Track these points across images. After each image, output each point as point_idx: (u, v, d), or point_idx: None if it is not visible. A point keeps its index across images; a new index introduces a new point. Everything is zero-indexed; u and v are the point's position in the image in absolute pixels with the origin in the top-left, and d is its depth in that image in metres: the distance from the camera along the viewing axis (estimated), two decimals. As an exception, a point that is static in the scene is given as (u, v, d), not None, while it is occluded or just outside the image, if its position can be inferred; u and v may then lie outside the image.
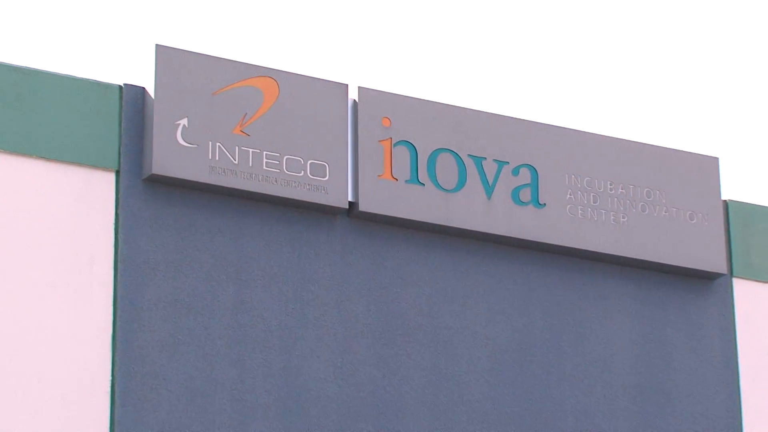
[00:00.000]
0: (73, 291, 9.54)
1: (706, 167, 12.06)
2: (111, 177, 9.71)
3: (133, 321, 9.69)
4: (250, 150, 9.96)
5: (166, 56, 9.95)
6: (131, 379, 9.54)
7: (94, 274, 9.62)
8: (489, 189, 10.78)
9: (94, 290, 9.65)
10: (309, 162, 10.13)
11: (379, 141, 10.43)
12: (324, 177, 10.15)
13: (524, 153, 11.34)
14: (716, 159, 11.94)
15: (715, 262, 11.71)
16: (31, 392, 9.52)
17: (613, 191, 11.39)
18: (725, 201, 12.07)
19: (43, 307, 9.53)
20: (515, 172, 10.92)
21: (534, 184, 11.03)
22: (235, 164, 9.87)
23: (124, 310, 9.64)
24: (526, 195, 10.91)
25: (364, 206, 10.16)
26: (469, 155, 10.78)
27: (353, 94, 10.56)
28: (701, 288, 12.01)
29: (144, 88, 9.89)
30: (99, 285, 9.61)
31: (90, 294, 9.65)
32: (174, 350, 9.78)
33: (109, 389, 9.64)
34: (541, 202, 10.96)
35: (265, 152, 10.02)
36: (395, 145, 10.43)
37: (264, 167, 9.99)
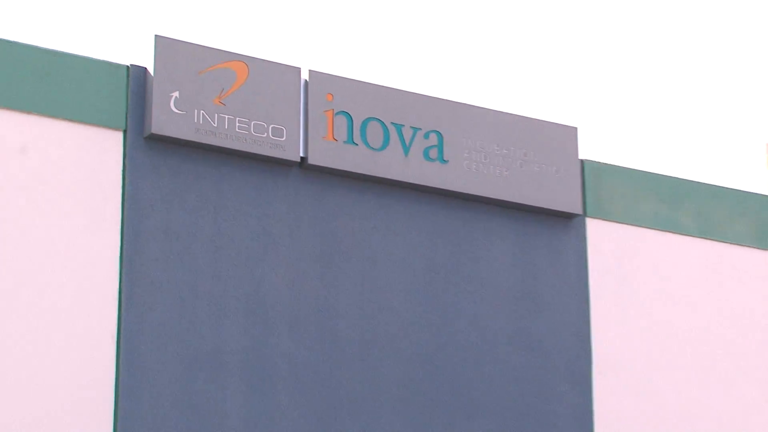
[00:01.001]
0: (90, 221, 10.86)
1: (568, 134, 13.64)
2: (119, 135, 10.93)
3: (136, 244, 10.99)
4: (226, 116, 11.23)
5: (162, 44, 11.20)
6: (134, 287, 10.84)
7: (107, 209, 10.92)
8: (406, 149, 12.19)
9: (107, 220, 10.95)
10: (270, 126, 11.41)
11: (324, 111, 11.73)
12: (282, 138, 11.43)
13: (433, 122, 12.81)
14: (575, 128, 13.62)
15: (573, 205, 13.18)
16: (51, 290, 10.82)
17: (498, 152, 12.83)
18: (581, 160, 13.65)
19: (67, 232, 10.85)
20: (426, 136, 12.34)
21: (440, 146, 12.44)
22: (214, 127, 11.11)
23: (129, 236, 10.95)
24: (434, 153, 12.36)
25: (312, 160, 11.54)
26: (391, 122, 12.13)
27: (305, 75, 11.94)
28: (563, 225, 13.38)
29: (146, 68, 11.08)
30: (110, 217, 10.93)
31: (102, 223, 10.96)
32: (167, 267, 11.06)
33: (117, 294, 10.97)
34: (445, 159, 12.40)
35: (237, 118, 11.31)
36: (336, 114, 11.74)
37: (236, 130, 11.29)
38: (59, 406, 10.89)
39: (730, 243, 14.92)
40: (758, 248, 15.09)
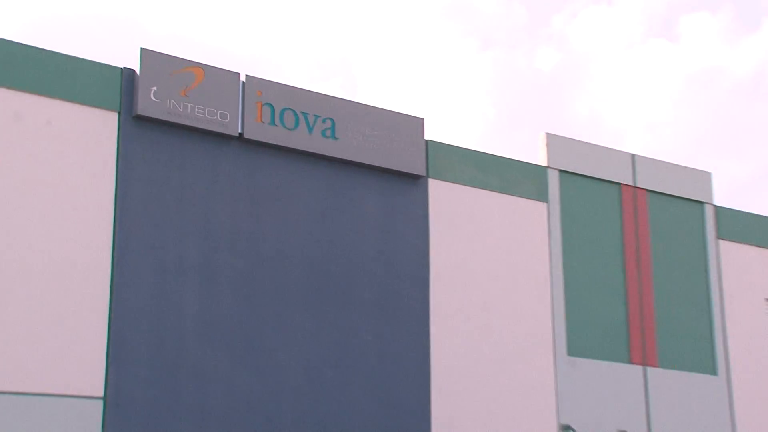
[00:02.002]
0: (95, 171, 13.47)
1: (417, 122, 16.50)
2: (115, 115, 13.69)
3: (127, 201, 13.60)
4: (189, 104, 14.03)
5: (146, 54, 13.82)
6: (127, 251, 13.33)
7: (104, 172, 13.64)
8: (310, 128, 15.06)
9: (104, 183, 13.61)
10: (219, 111, 14.25)
11: (255, 102, 14.67)
12: (227, 119, 14.28)
13: (328, 111, 15.50)
14: (422, 119, 16.61)
15: (419, 168, 16.19)
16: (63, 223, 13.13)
17: (369, 132, 15.81)
18: (426, 140, 16.59)
19: (70, 193, 13.36)
20: (324, 120, 15.26)
21: (332, 128, 15.46)
22: (180, 111, 13.91)
23: (121, 195, 13.55)
24: (328, 132, 15.34)
25: (247, 135, 14.39)
26: (301, 111, 15.05)
27: (243, 78, 14.73)
28: (410, 184, 16.44)
29: (134, 69, 13.73)
30: (109, 168, 13.56)
31: (101, 185, 13.58)
32: (147, 203, 13.74)
33: (112, 222, 13.32)
34: (336, 137, 15.34)
35: (196, 105, 14.09)
36: (264, 105, 14.70)
37: (195, 113, 14.08)
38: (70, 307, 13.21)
39: (523, 197, 17.81)
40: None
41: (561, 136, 18.75)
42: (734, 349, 20.10)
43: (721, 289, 20.06)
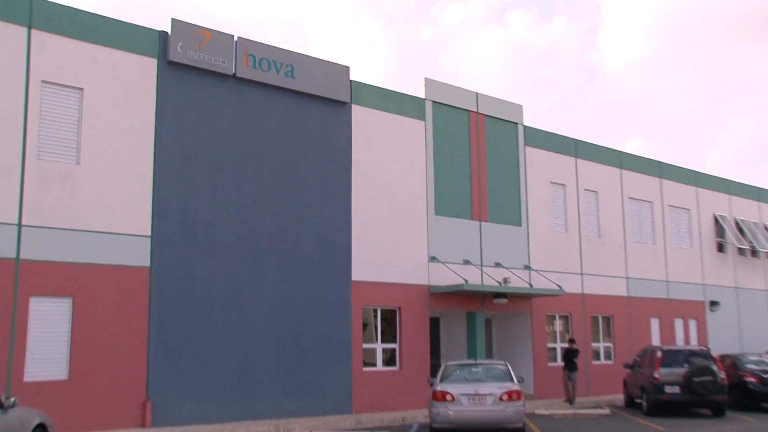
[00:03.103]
0: (141, 101, 16.41)
1: (344, 69, 19.48)
2: (155, 61, 16.77)
3: (163, 115, 16.58)
4: (202, 54, 17.15)
5: (175, 22, 16.87)
6: (164, 151, 16.38)
7: (149, 95, 16.59)
8: (278, 71, 18.09)
9: (149, 101, 16.55)
10: (220, 59, 17.31)
11: (244, 54, 17.79)
12: (225, 64, 17.37)
13: (289, 60, 18.33)
14: (348, 67, 19.49)
15: (346, 97, 19.43)
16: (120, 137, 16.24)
17: (315, 75, 18.78)
18: (351, 80, 19.63)
19: (131, 107, 16.23)
20: (287, 66, 18.20)
21: (292, 71, 18.41)
22: (197, 58, 17.08)
23: (160, 110, 16.58)
24: (289, 74, 18.33)
25: (238, 75, 17.50)
26: (272, 60, 18.11)
27: (236, 39, 17.67)
28: (341, 107, 19.52)
29: (167, 32, 16.81)
30: (151, 99, 16.57)
31: (148, 102, 16.51)
32: (180, 126, 16.69)
33: (152, 178, 16.33)
34: (294, 77, 18.33)
35: (206, 55, 17.16)
36: (248, 55, 17.82)
37: (206, 60, 17.19)
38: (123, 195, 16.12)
39: (410, 117, 21.16)
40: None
41: (434, 80, 22.24)
42: (531, 211, 24.06)
43: (525, 175, 24.09)
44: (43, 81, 15.36)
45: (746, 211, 32.90)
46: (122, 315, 15.80)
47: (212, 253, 17.29)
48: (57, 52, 15.63)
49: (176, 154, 16.99)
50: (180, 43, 17.11)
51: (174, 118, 17.07)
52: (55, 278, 15.04)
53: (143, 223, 16.28)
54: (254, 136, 18.31)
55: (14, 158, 14.85)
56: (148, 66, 16.88)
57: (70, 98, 15.69)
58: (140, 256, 16.15)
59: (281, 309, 18.18)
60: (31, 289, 14.76)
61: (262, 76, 18.34)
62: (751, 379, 20.26)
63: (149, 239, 16.33)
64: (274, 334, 18.01)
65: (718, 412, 19.05)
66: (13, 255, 14.69)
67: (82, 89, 15.82)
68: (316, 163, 19.25)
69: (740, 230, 32.14)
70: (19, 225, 14.79)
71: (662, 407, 19.36)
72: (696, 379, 18.66)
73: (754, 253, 32.58)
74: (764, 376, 20.22)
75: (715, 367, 18.96)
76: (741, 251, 32.08)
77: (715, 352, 22.57)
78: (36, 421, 11.08)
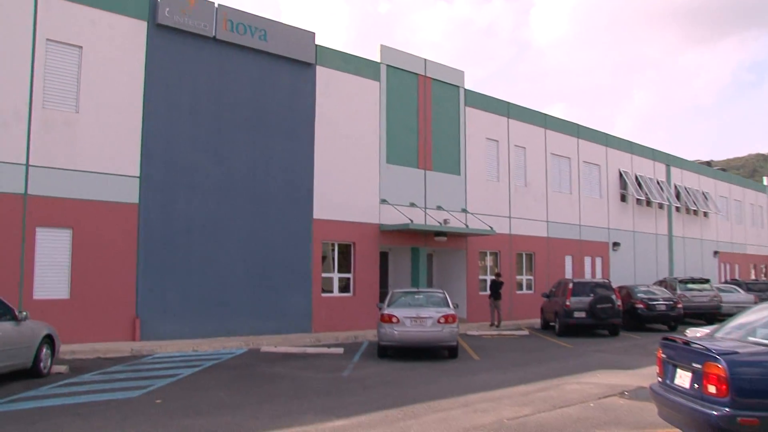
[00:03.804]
0: (130, 58, 16.77)
1: (310, 35, 19.79)
2: (145, 23, 17.09)
3: (152, 70, 17.02)
4: (186, 18, 17.46)
5: None
6: (152, 98, 16.77)
7: (139, 53, 16.93)
8: (252, 34, 18.46)
9: (139, 58, 16.90)
10: (202, 23, 17.66)
11: (223, 19, 18.15)
12: (207, 27, 17.69)
13: (263, 25, 18.58)
14: (314, 33, 19.81)
15: (311, 59, 19.88)
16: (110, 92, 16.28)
17: (285, 39, 19.12)
18: (316, 44, 19.92)
19: (123, 62, 16.59)
20: (260, 30, 18.50)
21: (265, 35, 18.64)
22: (182, 21, 17.45)
23: (149, 66, 17.03)
24: (262, 37, 18.56)
25: (218, 37, 17.86)
26: (247, 24, 18.42)
27: (216, 6, 17.96)
28: (306, 68, 19.93)
29: None
30: (140, 57, 16.95)
31: (138, 59, 16.89)
32: (165, 80, 17.12)
33: (140, 126, 16.68)
34: (267, 40, 18.63)
35: (190, 19, 17.45)
36: (227, 20, 18.13)
37: (190, 23, 17.48)
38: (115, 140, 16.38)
39: (365, 78, 21.48)
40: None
41: (388, 47, 22.70)
42: (469, 162, 24.86)
43: (465, 132, 24.80)
44: (47, 39, 15.72)
45: (644, 168, 34.68)
46: (115, 244, 16.42)
47: (192, 192, 17.81)
48: (60, 14, 15.95)
49: (162, 105, 17.37)
50: (167, 8, 17.44)
51: (161, 73, 17.37)
52: (57, 211, 15.61)
53: (133, 165, 16.75)
54: (231, 91, 18.65)
55: (22, 106, 15.25)
56: (139, 28, 17.15)
57: (70, 55, 16.07)
58: (130, 193, 16.70)
59: (252, 242, 18.84)
60: (37, 221, 15.32)
61: (238, 39, 18.70)
62: (641, 306, 22.12)
63: (138, 179, 16.80)
64: (245, 264, 18.71)
65: (614, 332, 20.77)
66: (22, 191, 15.15)
67: (81, 47, 16.22)
68: (284, 115, 19.63)
69: (639, 184, 34.06)
70: (27, 165, 15.24)
71: (571, 329, 20.82)
72: (599, 306, 20.23)
73: (649, 203, 34.71)
74: (651, 303, 22.07)
75: (613, 296, 20.58)
76: (638, 201, 34.05)
77: (615, 284, 24.56)
78: (44, 332, 11.68)
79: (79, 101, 16.07)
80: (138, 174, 16.74)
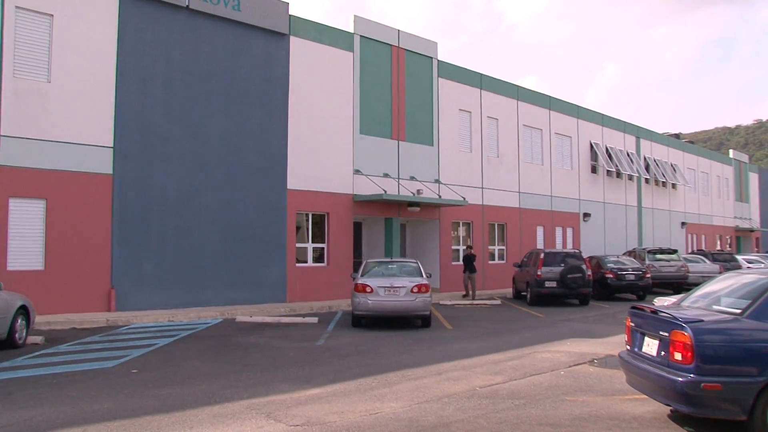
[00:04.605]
0: (102, 42, 16.44)
1: (284, 5, 19.64)
2: None
3: (124, 37, 16.74)
4: None
5: None
6: (125, 66, 16.60)
7: (112, 21, 16.65)
8: (226, 4, 18.25)
9: (112, 27, 16.62)
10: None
11: None
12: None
13: None
14: (288, 3, 19.45)
15: (285, 29, 19.76)
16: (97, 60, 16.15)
17: (258, 9, 18.89)
18: (290, 15, 19.67)
19: (97, 30, 16.16)
20: (234, 0, 19.43)
21: (239, 4, 18.53)
22: None
23: (121, 33, 16.74)
24: (236, 7, 18.40)
25: (192, 7, 17.59)
26: None
27: None
28: (280, 38, 19.79)
29: None
30: (112, 25, 16.67)
31: (110, 27, 16.62)
32: (139, 47, 16.90)
33: (113, 96, 16.47)
34: (240, 10, 18.41)
35: None
36: None
37: None
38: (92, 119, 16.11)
39: (339, 48, 21.37)
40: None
41: (362, 17, 22.58)
42: (442, 133, 24.92)
43: (438, 103, 24.89)
44: (17, 6, 15.36)
45: (614, 140, 35.08)
46: (89, 215, 16.30)
47: (166, 162, 17.77)
48: (29, -20, 15.43)
49: (135, 75, 17.23)
50: (142, -22, 16.93)
51: (134, 43, 17.22)
52: (30, 182, 15.42)
53: (106, 136, 16.61)
54: (204, 61, 18.55)
55: (-8, 75, 14.79)
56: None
57: (41, 23, 15.73)
58: (103, 164, 16.56)
59: (226, 212, 18.85)
60: (10, 191, 15.14)
61: (211, 8, 18.53)
62: (610, 276, 22.48)
63: (111, 150, 16.69)
64: (220, 234, 18.71)
65: (584, 301, 21.08)
66: (-7, 161, 14.75)
67: (52, 15, 15.89)
68: (258, 86, 19.58)
69: (609, 156, 34.49)
70: (-2, 135, 14.81)
71: (542, 298, 21.14)
72: (569, 276, 20.52)
73: (618, 174, 35.14)
74: (620, 273, 22.45)
75: (584, 266, 20.85)
76: (609, 173, 34.47)
77: (585, 254, 24.87)
78: (19, 303, 11.59)
79: (50, 71, 15.78)
80: (111, 144, 16.58)
